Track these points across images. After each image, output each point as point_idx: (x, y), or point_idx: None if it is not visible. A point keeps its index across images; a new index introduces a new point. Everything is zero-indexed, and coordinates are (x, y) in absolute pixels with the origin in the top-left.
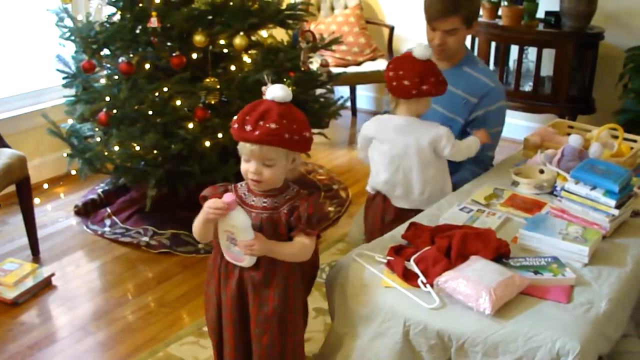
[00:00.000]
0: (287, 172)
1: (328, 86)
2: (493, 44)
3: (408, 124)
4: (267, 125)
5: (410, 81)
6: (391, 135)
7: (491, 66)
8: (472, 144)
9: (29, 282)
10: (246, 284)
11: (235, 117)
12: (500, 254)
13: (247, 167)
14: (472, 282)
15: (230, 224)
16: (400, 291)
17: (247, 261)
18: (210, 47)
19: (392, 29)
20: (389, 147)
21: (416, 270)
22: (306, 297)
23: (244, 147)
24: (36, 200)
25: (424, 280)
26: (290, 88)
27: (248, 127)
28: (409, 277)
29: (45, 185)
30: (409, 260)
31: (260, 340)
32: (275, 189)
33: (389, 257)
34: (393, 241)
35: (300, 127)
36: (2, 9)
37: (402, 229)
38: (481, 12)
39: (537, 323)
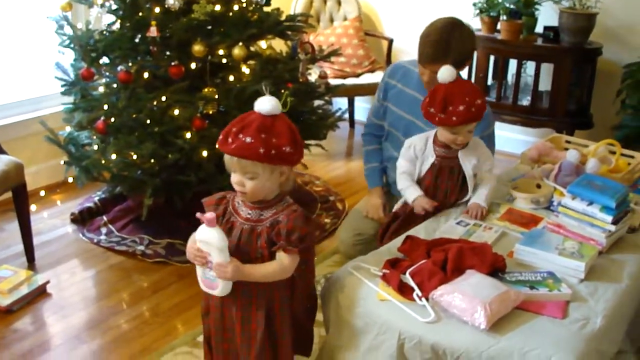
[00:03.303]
0: (278, 185)
1: (326, 97)
2: (492, 58)
3: None
4: (243, 139)
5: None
6: None
7: (489, 80)
8: None
9: (24, 290)
10: (229, 307)
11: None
12: (496, 268)
13: (232, 178)
14: (468, 296)
15: (206, 243)
16: (395, 304)
17: (220, 289)
18: (209, 57)
19: (391, 41)
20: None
21: (412, 283)
22: (310, 323)
23: (225, 158)
24: (32, 207)
25: (420, 294)
26: (288, 99)
27: (229, 139)
28: (404, 291)
29: (42, 193)
30: (404, 274)
31: (249, 355)
32: (265, 201)
33: (384, 270)
34: (389, 254)
35: (280, 141)
36: (1, 15)
37: (398, 241)
38: (480, 26)
39: (532, 338)
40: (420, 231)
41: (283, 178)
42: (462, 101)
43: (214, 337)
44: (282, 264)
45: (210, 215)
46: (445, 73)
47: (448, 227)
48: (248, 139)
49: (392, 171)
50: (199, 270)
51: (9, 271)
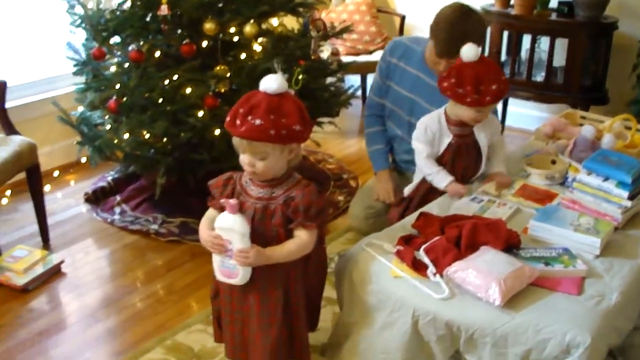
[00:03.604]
0: (287, 161)
1: (338, 75)
2: (505, 33)
3: None
4: (253, 121)
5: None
6: None
7: (503, 56)
8: None
9: (39, 269)
10: (242, 290)
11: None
12: (510, 244)
13: (242, 159)
14: (482, 272)
15: (228, 230)
16: (409, 281)
17: (240, 277)
18: (221, 35)
19: (403, 18)
20: None
21: (426, 260)
22: (319, 299)
23: (235, 140)
24: (46, 188)
25: (434, 271)
26: (300, 77)
27: (237, 122)
28: (418, 267)
29: (56, 173)
30: (418, 250)
31: (269, 334)
32: (275, 179)
33: (398, 247)
34: (403, 230)
35: (289, 121)
36: None
37: (412, 218)
38: (493, 1)
39: (548, 315)
40: (434, 208)
41: (292, 155)
42: (493, 80)
43: (222, 318)
44: (303, 240)
45: (233, 201)
46: (471, 52)
47: (462, 203)
48: (258, 121)
49: (398, 149)
50: (216, 260)
51: (24, 251)
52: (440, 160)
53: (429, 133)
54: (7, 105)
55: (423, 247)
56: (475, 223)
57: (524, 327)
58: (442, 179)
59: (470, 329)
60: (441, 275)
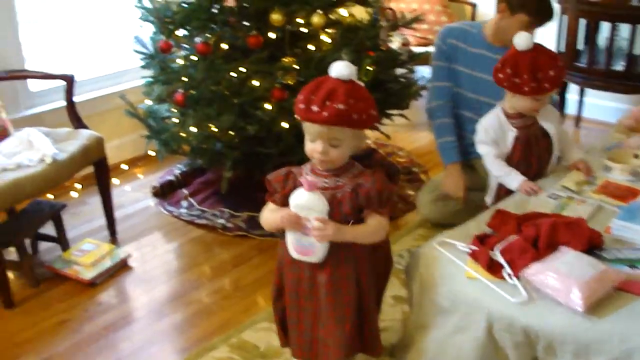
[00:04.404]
0: (353, 148)
1: (409, 66)
2: (582, 22)
3: None
4: (335, 105)
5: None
6: None
7: (580, 45)
8: None
9: (107, 263)
10: (310, 283)
11: (299, 96)
12: (592, 245)
13: (314, 147)
14: (562, 275)
15: (306, 207)
16: (484, 283)
17: (316, 253)
18: (288, 26)
19: (474, 6)
20: None
21: (501, 260)
22: (381, 294)
23: (310, 127)
24: (115, 181)
25: (510, 272)
26: (370, 68)
27: (315, 108)
28: (493, 268)
29: (124, 166)
30: (493, 250)
31: (344, 328)
32: (339, 167)
33: (472, 247)
34: (477, 229)
35: (366, 105)
36: None
37: (486, 215)
38: None
39: (634, 322)
40: (509, 205)
41: (358, 140)
42: (550, 66)
43: (288, 318)
44: (380, 224)
45: (311, 178)
46: (525, 40)
47: (539, 200)
48: (341, 106)
49: (467, 131)
50: (290, 237)
51: (92, 245)
52: (512, 156)
53: (490, 133)
54: (76, 99)
55: (498, 246)
56: (554, 222)
57: (609, 335)
58: (513, 179)
59: (550, 336)
60: (518, 278)
